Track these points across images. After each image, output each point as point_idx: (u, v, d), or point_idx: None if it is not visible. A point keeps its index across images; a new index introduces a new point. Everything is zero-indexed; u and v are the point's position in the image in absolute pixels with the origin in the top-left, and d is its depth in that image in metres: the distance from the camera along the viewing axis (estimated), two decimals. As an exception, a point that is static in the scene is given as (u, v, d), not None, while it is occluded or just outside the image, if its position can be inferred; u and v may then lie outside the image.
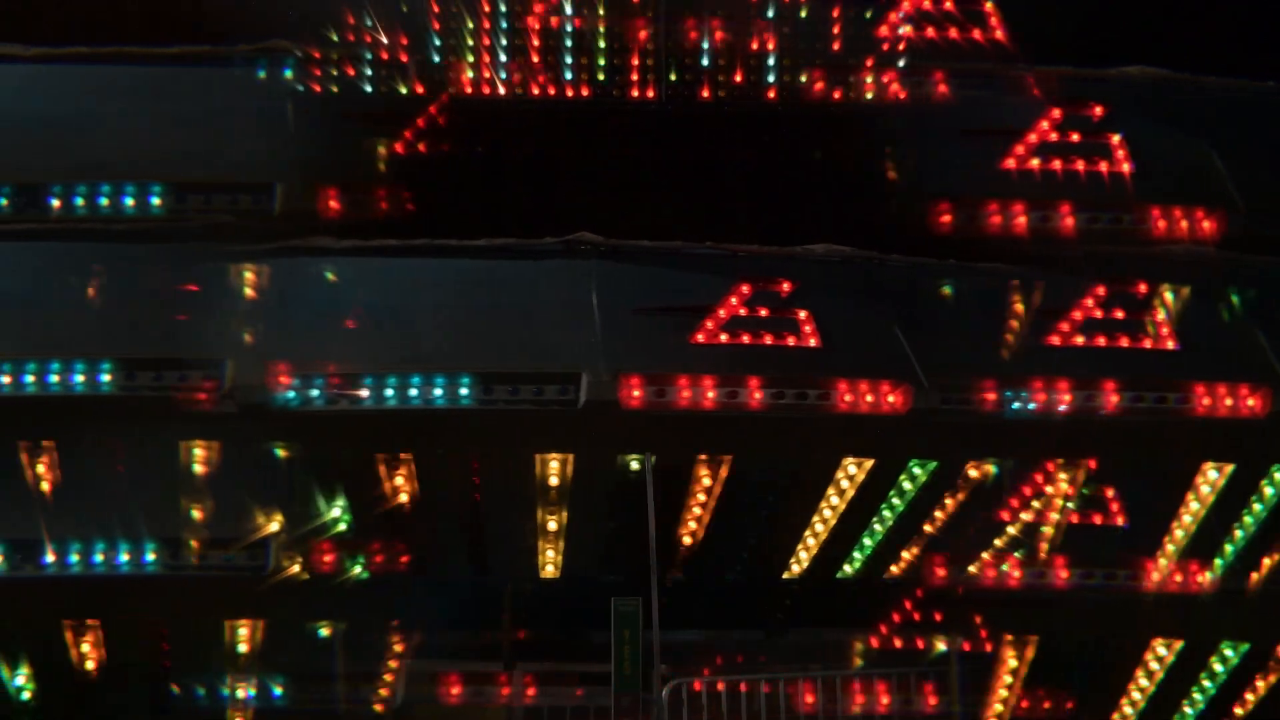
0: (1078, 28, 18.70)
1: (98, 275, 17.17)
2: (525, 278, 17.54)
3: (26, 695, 17.85)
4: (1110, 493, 18.19)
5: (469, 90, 18.03)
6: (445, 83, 18.06)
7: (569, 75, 18.07)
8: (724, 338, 17.33)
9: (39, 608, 17.38)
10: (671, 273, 17.72)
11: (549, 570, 18.37)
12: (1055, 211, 18.15)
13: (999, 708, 18.62)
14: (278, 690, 17.27)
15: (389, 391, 16.76)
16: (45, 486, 17.08)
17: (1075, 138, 18.28)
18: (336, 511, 17.83)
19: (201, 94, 18.01)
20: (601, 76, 18.18)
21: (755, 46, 18.17)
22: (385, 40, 18.05)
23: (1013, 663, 18.49)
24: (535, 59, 17.99)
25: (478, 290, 17.46)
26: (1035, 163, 18.22)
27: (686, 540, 18.39)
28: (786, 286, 17.54)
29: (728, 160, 18.37)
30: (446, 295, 17.43)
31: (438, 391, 16.76)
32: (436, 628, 18.14)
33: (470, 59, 18.03)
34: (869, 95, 18.23)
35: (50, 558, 16.99)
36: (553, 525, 18.00)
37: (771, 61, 18.15)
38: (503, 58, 17.99)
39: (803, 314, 17.45)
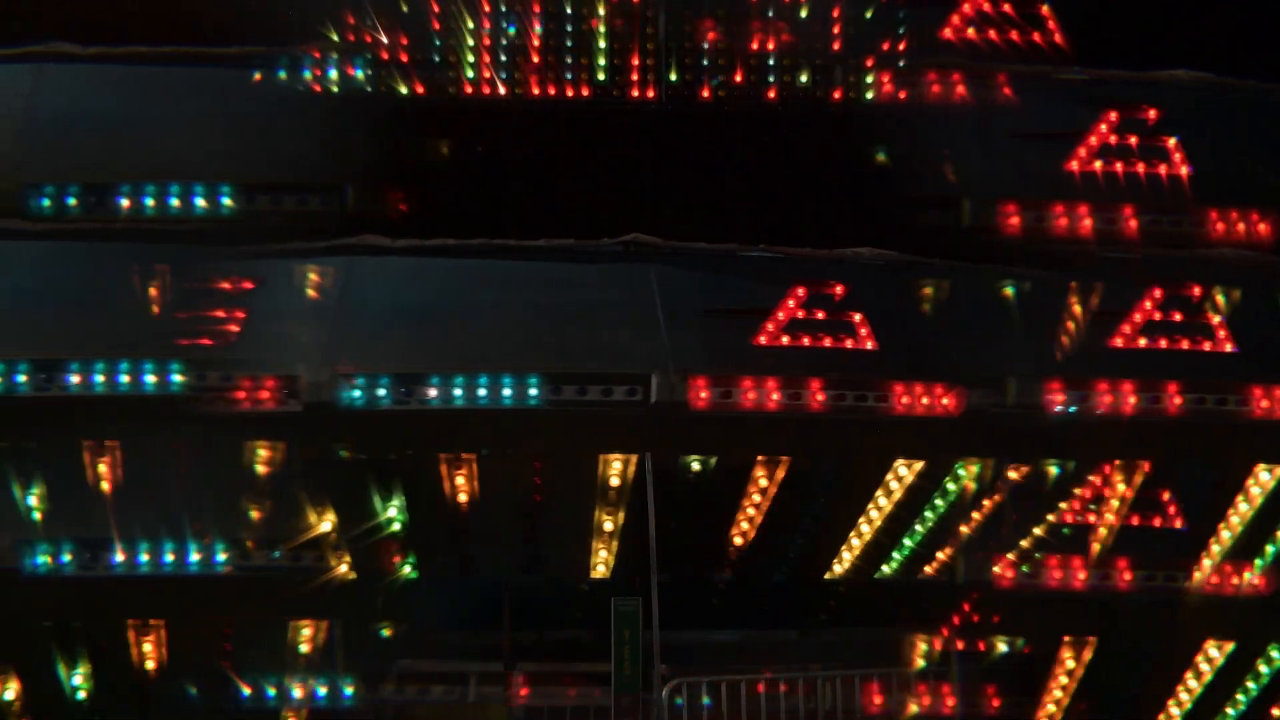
0: (1118, 31, 18.76)
1: (162, 275, 17.12)
2: (585, 278, 17.55)
3: (82, 695, 17.79)
4: (1166, 495, 18.23)
5: (469, 90, 18.00)
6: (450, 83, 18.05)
7: (569, 75, 18.02)
8: (785, 340, 17.36)
9: (105, 607, 17.39)
10: (728, 274, 17.76)
11: (600, 571, 18.37)
12: (1118, 214, 18.24)
13: (1051, 709, 18.67)
14: (348, 690, 17.25)
15: (457, 391, 16.75)
16: (113, 486, 17.04)
17: (1133, 141, 18.33)
18: (392, 512, 17.87)
19: (259, 94, 17.99)
20: (601, 76, 18.13)
21: (755, 46, 18.15)
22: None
23: (1069, 664, 18.53)
24: (535, 59, 17.95)
25: (537, 291, 17.46)
26: (1098, 165, 18.29)
27: (738, 540, 18.43)
28: (840, 289, 17.56)
29: (728, 160, 18.36)
30: (507, 295, 17.42)
31: (506, 392, 16.76)
32: (449, 627, 18.16)
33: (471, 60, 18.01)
34: (870, 95, 18.25)
35: (120, 557, 16.98)
36: (608, 526, 17.98)
37: (772, 61, 18.14)
38: (503, 58, 17.95)
39: (857, 317, 17.49)
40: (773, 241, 17.79)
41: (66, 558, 17.04)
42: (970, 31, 18.52)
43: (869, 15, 18.29)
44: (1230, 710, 19.16)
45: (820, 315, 17.50)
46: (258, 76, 17.90)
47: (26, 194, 17.51)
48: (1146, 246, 18.28)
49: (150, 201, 17.53)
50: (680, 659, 17.63)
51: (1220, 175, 18.49)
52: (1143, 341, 17.78)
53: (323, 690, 17.23)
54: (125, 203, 17.51)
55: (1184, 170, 18.36)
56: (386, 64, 17.96)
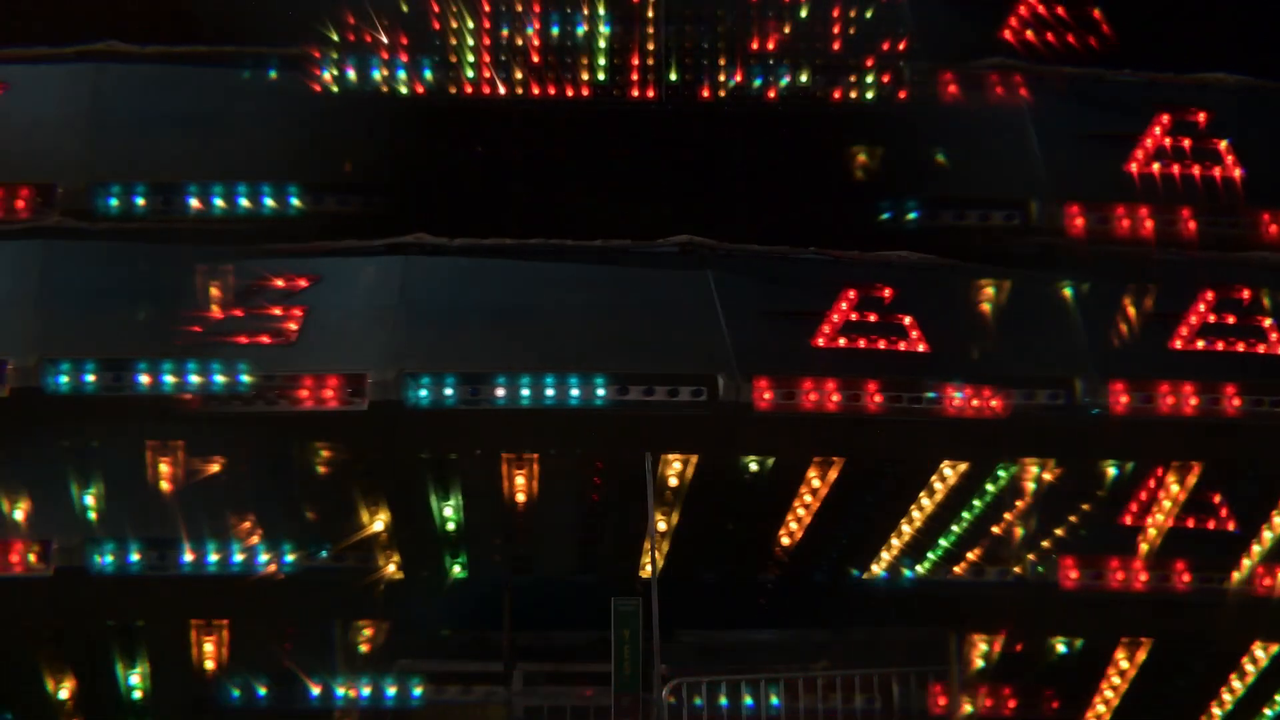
0: (1167, 33, 18.87)
1: (223, 274, 17.13)
2: (643, 280, 17.59)
3: (138, 695, 17.79)
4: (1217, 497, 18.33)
5: (469, 90, 18.00)
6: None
7: (569, 75, 18.05)
8: (842, 341, 17.44)
9: (169, 607, 17.39)
10: (781, 276, 17.81)
11: (647, 570, 18.38)
12: (1175, 216, 18.33)
13: (1100, 709, 18.76)
14: (417, 690, 17.26)
15: (524, 391, 16.77)
16: (180, 486, 17.05)
17: (1186, 144, 18.43)
18: (448, 511, 17.91)
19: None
20: (602, 76, 18.18)
21: (755, 46, 18.19)
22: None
23: (1123, 664, 18.63)
24: (535, 59, 17.98)
25: (596, 291, 17.48)
26: (1156, 167, 18.38)
27: (785, 540, 18.49)
28: (888, 292, 17.65)
29: (727, 160, 18.41)
30: (565, 295, 17.43)
31: (574, 392, 16.79)
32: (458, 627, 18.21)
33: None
34: (870, 95, 18.26)
35: (188, 557, 16.97)
36: (662, 526, 18.02)
37: (772, 61, 18.17)
38: (503, 58, 17.98)
39: (908, 319, 17.58)
40: (776, 240, 17.80)
41: (134, 557, 17.03)
42: (1029, 33, 18.63)
43: (870, 15, 18.29)
44: (1268, 711, 19.27)
45: (872, 318, 17.55)
46: (328, 77, 17.85)
47: (94, 194, 17.49)
48: (1201, 249, 18.35)
49: (220, 202, 17.52)
50: (715, 659, 17.73)
51: (1272, 178, 18.55)
52: (1200, 344, 17.86)
53: (392, 690, 17.24)
54: (195, 203, 17.51)
55: (1237, 173, 18.45)
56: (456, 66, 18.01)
